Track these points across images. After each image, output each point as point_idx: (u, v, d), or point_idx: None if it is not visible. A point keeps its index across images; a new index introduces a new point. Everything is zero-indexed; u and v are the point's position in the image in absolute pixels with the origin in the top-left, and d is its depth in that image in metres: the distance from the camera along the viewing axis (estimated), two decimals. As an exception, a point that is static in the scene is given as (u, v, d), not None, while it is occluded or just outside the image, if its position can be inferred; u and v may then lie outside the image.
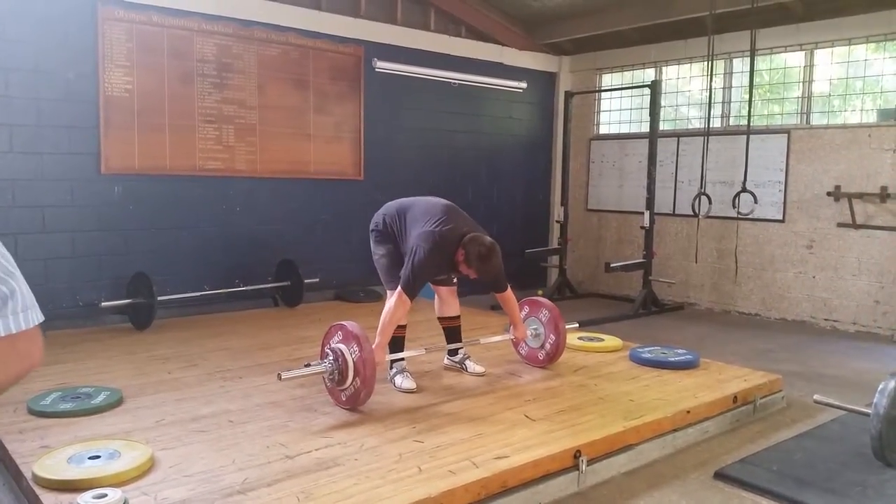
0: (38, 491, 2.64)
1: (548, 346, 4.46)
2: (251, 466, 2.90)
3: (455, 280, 4.35)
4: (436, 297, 4.40)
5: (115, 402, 3.64)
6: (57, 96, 5.46)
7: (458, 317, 4.40)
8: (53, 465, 2.77)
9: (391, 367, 4.10)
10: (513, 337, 4.46)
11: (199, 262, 6.23)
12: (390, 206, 4.28)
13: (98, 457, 2.86)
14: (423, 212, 4.07)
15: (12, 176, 5.32)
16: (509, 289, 4.26)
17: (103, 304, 5.45)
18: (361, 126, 7.21)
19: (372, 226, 4.27)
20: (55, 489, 2.63)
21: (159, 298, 5.40)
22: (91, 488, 2.49)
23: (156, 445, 3.05)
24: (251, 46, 6.40)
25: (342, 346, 3.64)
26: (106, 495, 2.37)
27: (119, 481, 2.66)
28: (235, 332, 5.50)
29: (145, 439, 3.11)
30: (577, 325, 4.89)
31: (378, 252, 4.21)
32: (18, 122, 5.31)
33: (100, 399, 3.63)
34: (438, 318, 4.42)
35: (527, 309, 4.57)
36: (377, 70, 7.21)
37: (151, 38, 5.84)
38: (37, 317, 1.18)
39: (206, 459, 2.96)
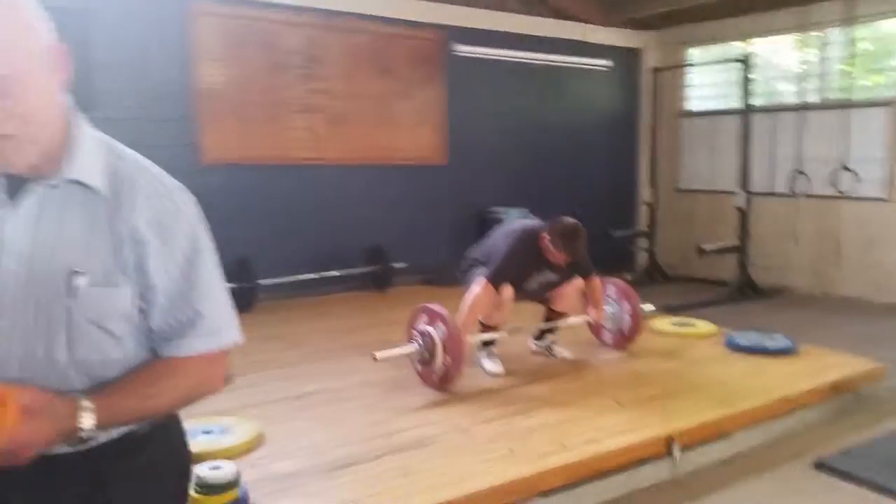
0: (158, 462, 2.86)
1: (624, 327, 4.47)
2: (353, 442, 3.05)
3: (547, 295, 4.33)
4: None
5: (225, 380, 3.87)
6: (157, 91, 5.76)
7: (566, 315, 4.41)
8: (171, 439, 2.99)
9: (480, 351, 4.18)
10: (590, 319, 4.46)
11: (295, 247, 6.47)
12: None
13: (211, 431, 3.07)
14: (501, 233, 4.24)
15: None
16: (595, 275, 4.28)
17: (208, 287, 5.77)
18: (444, 111, 7.27)
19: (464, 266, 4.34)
20: (173, 461, 2.85)
21: (259, 282, 5.68)
22: (205, 461, 2.68)
23: (264, 421, 3.23)
24: (337, 36, 6.56)
25: (428, 328, 3.75)
26: (220, 467, 2.55)
27: (230, 455, 2.84)
28: (330, 314, 5.72)
29: (254, 415, 3.31)
30: (653, 307, 4.86)
31: (470, 273, 4.24)
32: (122, 117, 5.64)
33: (209, 377, 3.87)
34: (548, 309, 4.42)
35: (603, 290, 4.56)
36: (458, 54, 7.24)
37: (242, 31, 6.08)
38: (221, 341, 1.24)
39: (311, 435, 3.14)
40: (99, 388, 1.15)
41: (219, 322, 1.23)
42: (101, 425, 1.12)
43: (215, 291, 1.24)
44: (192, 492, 2.50)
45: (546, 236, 3.95)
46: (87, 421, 1.10)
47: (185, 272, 1.19)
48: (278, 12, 6.23)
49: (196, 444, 2.91)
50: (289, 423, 3.28)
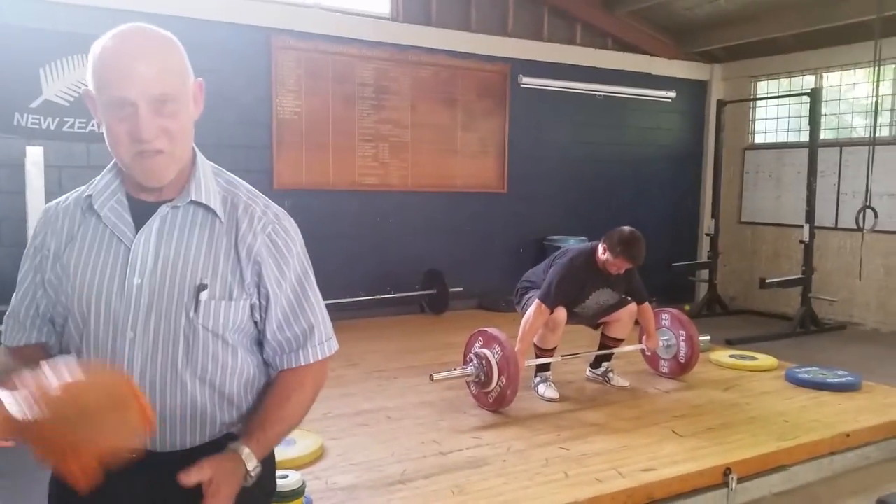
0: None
1: (680, 356, 4.48)
2: (409, 459, 3.15)
3: (603, 321, 4.37)
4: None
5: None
6: (236, 119, 6.09)
7: (622, 341, 4.43)
8: (240, 448, 3.16)
9: (535, 376, 4.24)
10: (644, 347, 4.47)
11: (356, 269, 6.68)
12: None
13: (276, 442, 3.22)
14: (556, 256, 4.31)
15: (199, 191, 5.99)
16: (647, 303, 4.32)
17: (273, 306, 5.99)
18: (506, 140, 7.41)
19: (519, 290, 4.42)
20: (241, 468, 3.00)
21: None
22: (272, 470, 2.82)
23: (325, 435, 3.38)
24: (406, 69, 6.80)
25: (484, 350, 3.84)
26: (287, 476, 2.69)
27: (295, 465, 2.99)
28: (388, 335, 5.86)
29: (315, 429, 3.45)
30: (709, 338, 4.79)
31: (525, 297, 4.32)
32: (202, 143, 5.89)
33: (274, 392, 4.05)
34: (603, 335, 4.46)
35: (658, 319, 4.58)
36: (522, 86, 7.39)
37: (318, 64, 6.38)
38: (329, 348, 1.38)
39: (368, 450, 3.26)
40: (247, 432, 1.28)
41: (328, 331, 1.39)
42: (261, 459, 1.26)
43: (321, 306, 1.39)
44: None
45: (603, 245, 4.01)
46: (252, 464, 1.24)
47: (297, 289, 1.34)
48: (352, 47, 6.51)
49: (263, 452, 3.09)
50: (347, 439, 3.41)
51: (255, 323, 1.33)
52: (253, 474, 1.24)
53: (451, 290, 6.76)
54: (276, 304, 1.31)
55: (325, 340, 1.37)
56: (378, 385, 4.36)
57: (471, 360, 3.91)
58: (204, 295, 1.24)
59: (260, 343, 1.37)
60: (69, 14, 5.30)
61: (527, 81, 7.37)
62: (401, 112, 6.81)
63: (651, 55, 8.19)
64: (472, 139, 7.24)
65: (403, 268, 6.90)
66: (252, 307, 1.31)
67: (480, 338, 3.94)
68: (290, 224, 1.36)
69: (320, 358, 1.37)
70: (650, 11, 7.86)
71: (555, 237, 7.32)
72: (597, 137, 8.03)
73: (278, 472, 2.71)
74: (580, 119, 7.87)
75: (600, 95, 7.88)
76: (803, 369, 4.65)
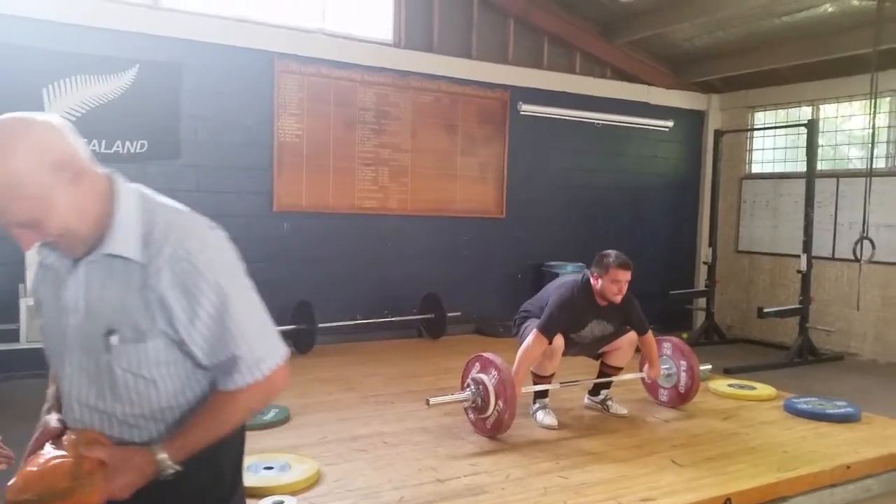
0: (223, 494, 2.97)
1: (680, 385, 4.47)
2: (406, 486, 3.12)
3: (602, 350, 4.37)
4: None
5: (284, 419, 4.01)
6: (237, 141, 6.12)
7: (621, 369, 4.42)
8: (235, 472, 3.11)
9: (534, 403, 4.21)
10: (645, 376, 4.46)
11: (353, 292, 6.66)
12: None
13: (271, 468, 3.19)
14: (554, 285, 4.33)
15: (197, 211, 5.97)
16: (650, 332, 4.31)
17: (271, 329, 5.95)
18: (505, 166, 7.45)
19: (517, 318, 4.42)
20: (237, 493, 2.96)
21: (319, 325, 5.85)
22: (267, 496, 2.79)
23: (321, 460, 3.34)
24: (407, 94, 6.85)
25: (482, 375, 3.82)
26: (283, 502, 2.66)
27: (290, 491, 2.96)
28: (385, 359, 5.83)
29: (311, 454, 3.41)
30: (710, 366, 4.79)
31: (523, 325, 4.32)
32: (203, 164, 5.99)
33: (270, 415, 4.01)
34: (602, 363, 4.44)
35: (659, 347, 4.57)
36: (522, 113, 7.44)
37: (319, 88, 6.42)
38: (260, 371, 1.39)
39: (365, 476, 3.22)
40: (170, 432, 1.38)
41: (258, 354, 1.39)
42: (179, 461, 1.33)
43: (249, 330, 1.38)
44: (254, 522, 2.61)
45: (593, 274, 4.05)
46: (164, 461, 1.32)
47: (215, 323, 1.34)
48: (354, 71, 6.56)
49: (258, 478, 3.06)
50: (344, 464, 3.37)
51: (187, 355, 1.37)
52: (165, 471, 1.31)
53: (449, 314, 6.74)
54: (191, 342, 1.34)
55: (253, 366, 1.38)
56: (375, 410, 4.32)
57: (468, 385, 3.89)
58: (114, 339, 1.33)
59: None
60: (73, 34, 5.34)
61: (526, 108, 7.43)
62: (401, 137, 6.84)
63: (649, 84, 8.28)
64: (472, 164, 7.27)
65: (401, 291, 6.89)
66: (174, 342, 1.35)
67: (477, 363, 3.93)
68: (202, 258, 1.34)
69: (251, 382, 1.38)
70: (649, 41, 7.96)
71: (553, 263, 7.33)
72: (595, 165, 8.08)
73: (273, 498, 2.71)
74: (579, 146, 7.92)
75: (599, 123, 7.94)
76: (802, 399, 4.63)
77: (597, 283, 4.04)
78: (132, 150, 5.62)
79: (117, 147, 5.55)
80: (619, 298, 4.03)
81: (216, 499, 1.48)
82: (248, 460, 3.19)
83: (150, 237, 1.33)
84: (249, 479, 3.03)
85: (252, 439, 3.58)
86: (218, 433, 1.39)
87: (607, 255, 4.04)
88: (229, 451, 1.48)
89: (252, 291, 1.42)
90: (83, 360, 1.36)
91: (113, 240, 1.32)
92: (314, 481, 3.12)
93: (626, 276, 4.01)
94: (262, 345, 1.39)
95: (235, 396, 1.38)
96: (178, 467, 1.33)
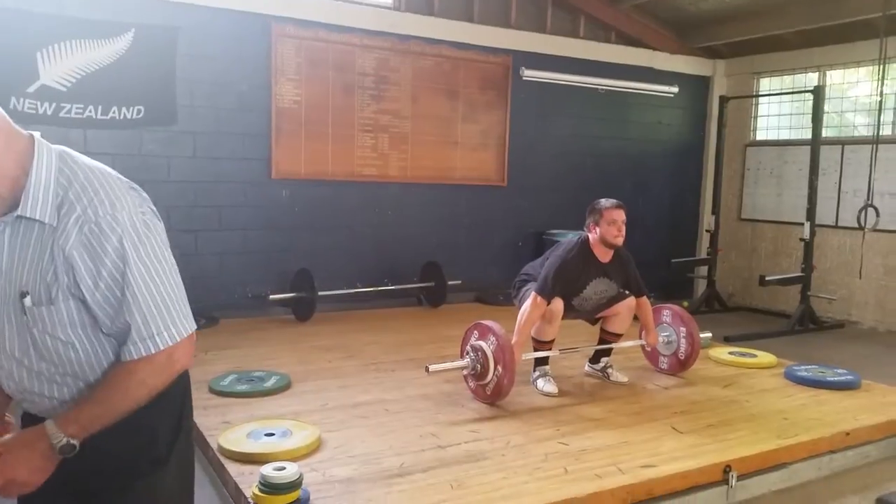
0: (223, 461, 2.99)
1: (680, 352, 4.46)
2: (407, 452, 3.12)
3: (601, 315, 4.34)
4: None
5: (284, 386, 4.01)
6: (234, 107, 6.03)
7: (621, 336, 4.39)
8: (236, 439, 3.13)
9: (534, 371, 4.21)
10: (644, 343, 4.45)
11: (353, 260, 6.64)
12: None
13: (273, 434, 3.20)
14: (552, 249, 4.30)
15: (194, 178, 5.94)
16: (646, 297, 4.29)
17: (271, 296, 5.95)
18: (507, 133, 7.37)
19: (516, 283, 4.39)
20: (238, 460, 2.98)
21: (319, 293, 5.83)
22: (268, 462, 2.79)
23: (322, 427, 3.34)
24: (407, 59, 6.74)
25: (480, 342, 3.82)
26: (285, 468, 2.65)
27: (291, 457, 2.95)
28: (385, 327, 5.83)
29: (312, 421, 3.42)
30: (710, 334, 4.78)
31: (522, 289, 4.29)
32: (200, 130, 5.92)
33: (271, 382, 4.02)
34: (602, 329, 4.42)
35: (659, 315, 4.55)
36: (524, 78, 7.34)
37: (318, 52, 6.31)
38: (155, 344, 1.37)
39: (366, 443, 3.22)
40: (66, 407, 1.40)
41: (152, 328, 1.37)
42: (77, 435, 1.34)
43: (147, 300, 1.36)
44: (256, 490, 2.62)
45: (589, 224, 4.04)
46: (58, 438, 1.33)
47: (114, 287, 1.34)
48: (353, 35, 6.45)
49: (259, 444, 3.07)
50: (345, 431, 3.38)
51: (94, 318, 1.37)
52: (66, 449, 1.33)
53: (450, 282, 6.72)
54: (95, 304, 1.35)
55: (148, 338, 1.36)
56: (376, 377, 4.33)
57: (467, 352, 3.88)
58: (27, 301, 1.34)
59: None
60: (67, -3, 5.24)
61: (529, 74, 7.32)
62: (401, 103, 6.75)
63: (654, 49, 8.14)
64: (473, 131, 7.19)
65: (401, 260, 6.86)
66: (85, 304, 1.35)
67: (476, 330, 3.92)
68: (112, 219, 1.33)
69: (144, 354, 1.37)
70: (654, 5, 7.81)
71: (554, 231, 7.29)
72: (598, 131, 7.99)
73: (274, 464, 2.70)
74: (582, 113, 7.82)
75: (602, 89, 7.83)
76: (803, 367, 4.64)
77: (595, 233, 4.01)
78: (129, 116, 5.54)
79: (113, 113, 5.47)
80: (620, 240, 4.01)
81: (150, 461, 1.46)
82: (248, 427, 3.23)
83: (64, 199, 1.32)
84: (251, 446, 3.05)
85: (253, 406, 3.63)
86: (117, 408, 1.37)
87: (597, 202, 4.06)
88: (160, 413, 1.45)
89: (163, 261, 1.39)
90: (8, 322, 1.38)
91: (26, 202, 1.32)
92: (315, 447, 3.13)
93: (620, 214, 4.00)
94: (160, 318, 1.37)
95: (129, 368, 1.37)
96: (78, 441, 1.33)
